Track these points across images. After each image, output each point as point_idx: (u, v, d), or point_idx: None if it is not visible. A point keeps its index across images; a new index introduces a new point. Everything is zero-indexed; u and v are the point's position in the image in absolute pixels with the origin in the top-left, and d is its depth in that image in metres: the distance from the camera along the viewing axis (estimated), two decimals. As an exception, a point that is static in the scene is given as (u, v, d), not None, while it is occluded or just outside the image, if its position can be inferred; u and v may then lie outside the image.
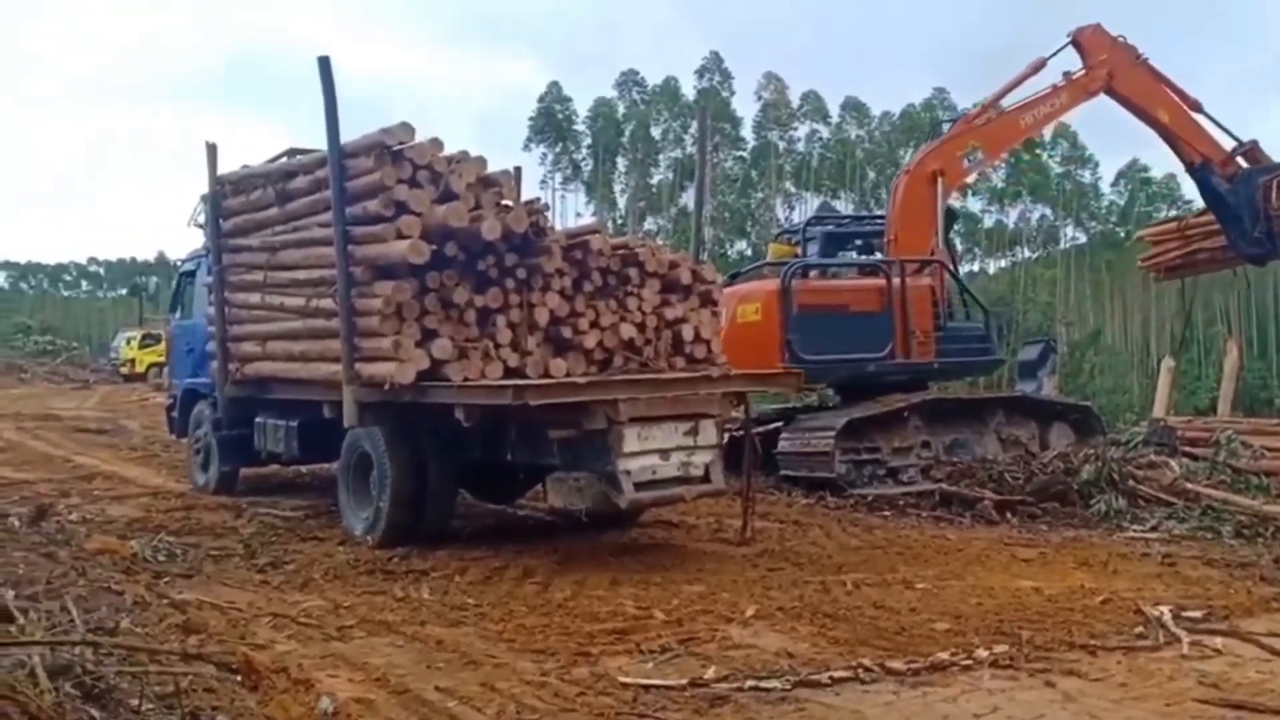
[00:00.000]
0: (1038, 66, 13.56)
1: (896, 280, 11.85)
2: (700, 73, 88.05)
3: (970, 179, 14.22)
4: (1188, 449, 11.91)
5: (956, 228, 15.16)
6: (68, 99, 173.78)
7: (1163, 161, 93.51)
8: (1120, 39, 13.64)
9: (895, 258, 12.16)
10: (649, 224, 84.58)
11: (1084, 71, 13.45)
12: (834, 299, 12.17)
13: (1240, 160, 13.95)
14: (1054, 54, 13.60)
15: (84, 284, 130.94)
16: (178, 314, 12.54)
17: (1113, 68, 13.44)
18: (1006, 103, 13.45)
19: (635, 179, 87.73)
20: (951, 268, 13.23)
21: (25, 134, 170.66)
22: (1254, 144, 14.00)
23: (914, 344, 11.87)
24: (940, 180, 12.75)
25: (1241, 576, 7.02)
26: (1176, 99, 13.84)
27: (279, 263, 8.73)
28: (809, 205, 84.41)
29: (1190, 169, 14.02)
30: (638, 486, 6.95)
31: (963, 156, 13.16)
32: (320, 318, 8.08)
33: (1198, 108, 13.88)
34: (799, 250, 13.57)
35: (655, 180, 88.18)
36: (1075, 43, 13.55)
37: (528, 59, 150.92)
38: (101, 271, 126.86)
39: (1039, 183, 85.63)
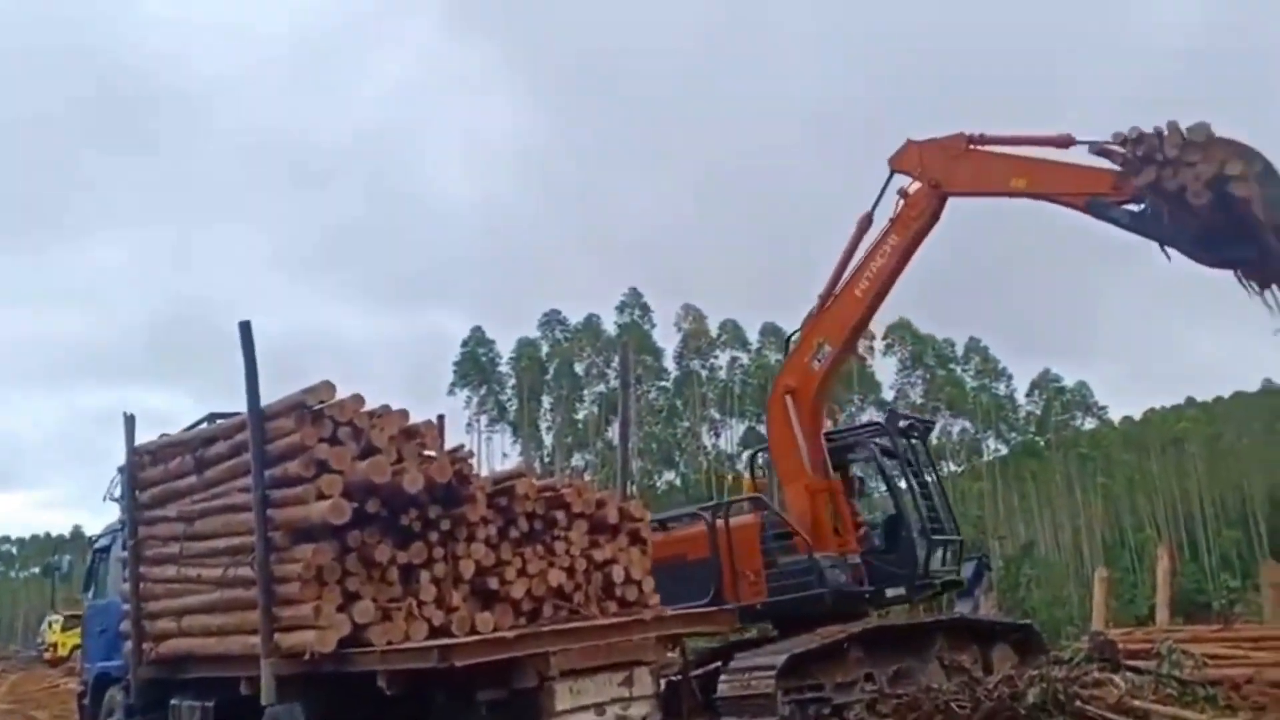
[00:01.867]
0: (864, 224, 12.32)
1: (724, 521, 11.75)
2: (621, 308, 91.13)
3: (825, 377, 12.53)
4: (1130, 662, 11.82)
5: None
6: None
7: (1073, 370, 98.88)
8: (930, 141, 12.04)
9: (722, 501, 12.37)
10: (576, 459, 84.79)
11: (904, 200, 12.07)
12: (673, 550, 11.79)
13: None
14: (877, 200, 12.27)
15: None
16: (90, 593, 12.02)
17: (935, 175, 11.87)
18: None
19: (561, 416, 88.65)
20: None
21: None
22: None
23: (744, 585, 11.49)
24: (791, 398, 12.31)
25: (1199, 797, 6.86)
26: (1029, 157, 11.69)
27: (196, 532, 8.50)
28: (735, 432, 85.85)
29: (1087, 212, 11.40)
30: (571, 748, 6.65)
31: (811, 360, 12.41)
32: (238, 587, 7.80)
33: (1069, 143, 11.58)
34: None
35: (581, 416, 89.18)
36: (896, 171, 12.21)
37: (450, 306, 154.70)
38: (14, 550, 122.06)
39: (956, 397, 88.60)
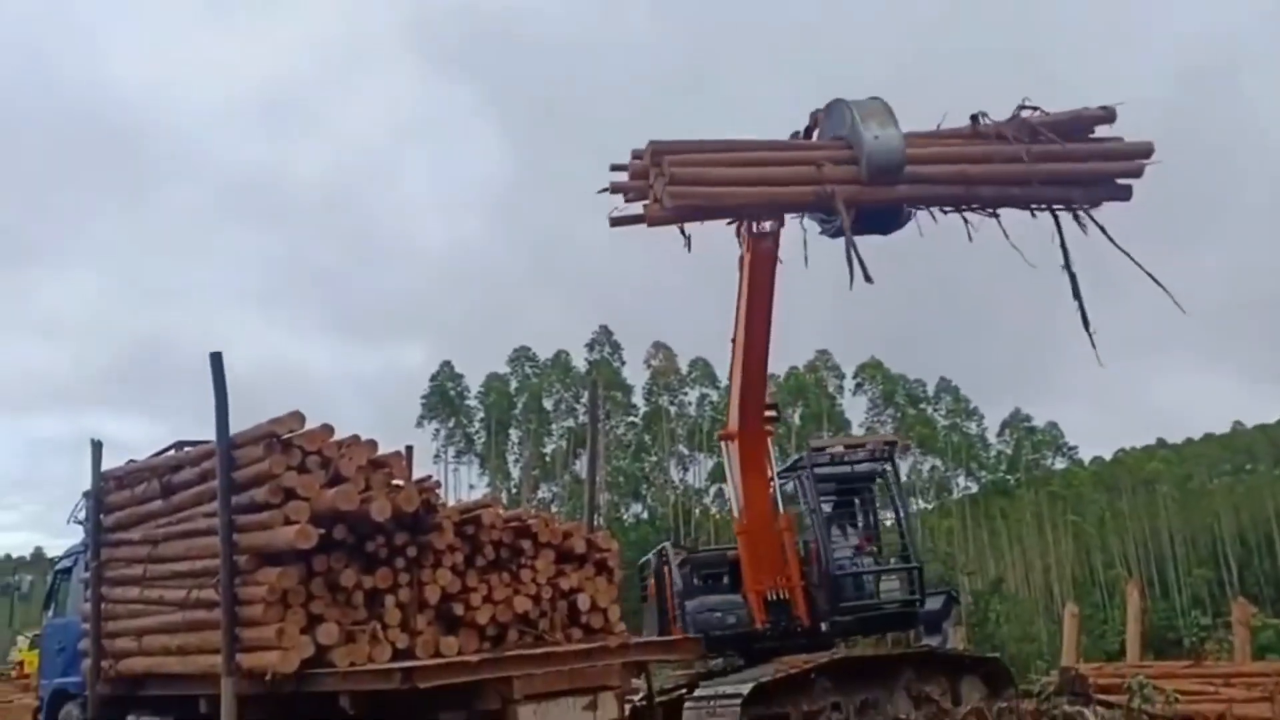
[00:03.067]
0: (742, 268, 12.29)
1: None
2: (591, 345, 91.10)
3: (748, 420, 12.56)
4: (1101, 696, 11.94)
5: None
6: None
7: (1044, 410, 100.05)
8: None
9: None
10: (543, 492, 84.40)
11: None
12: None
13: None
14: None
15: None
16: (50, 612, 12.11)
17: None
18: None
19: (528, 449, 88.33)
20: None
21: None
22: None
23: (674, 624, 12.39)
24: (726, 445, 12.85)
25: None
26: None
27: (160, 555, 8.51)
28: (703, 467, 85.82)
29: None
30: (535, 769, 6.66)
31: (733, 406, 12.78)
32: (201, 609, 7.79)
33: None
34: None
35: (549, 449, 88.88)
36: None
37: (420, 343, 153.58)
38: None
39: (926, 435, 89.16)
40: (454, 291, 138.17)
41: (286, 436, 7.47)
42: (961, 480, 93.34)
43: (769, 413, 13.24)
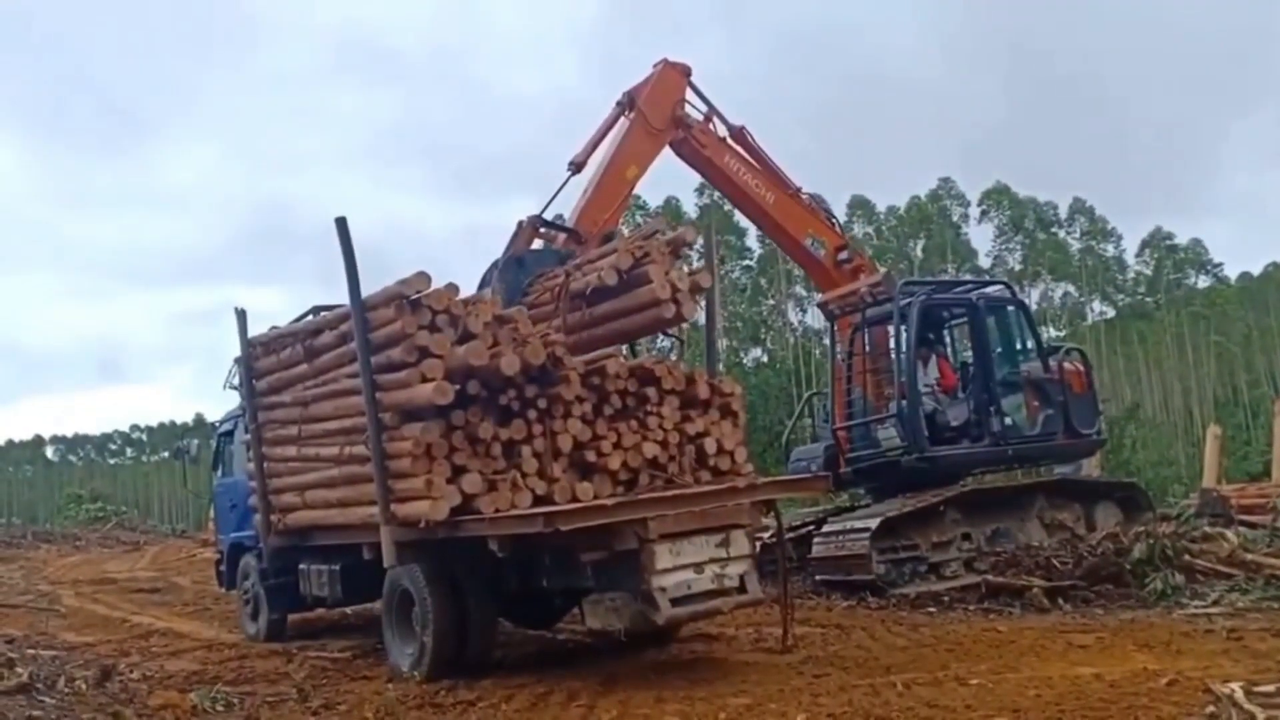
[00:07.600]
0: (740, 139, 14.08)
1: None
2: (700, 190, 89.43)
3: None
4: (1243, 517, 11.71)
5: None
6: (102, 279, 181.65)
7: (1187, 227, 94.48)
8: None
9: None
10: (662, 340, 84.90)
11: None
12: None
13: None
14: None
15: (129, 451, 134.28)
16: (219, 472, 12.93)
17: None
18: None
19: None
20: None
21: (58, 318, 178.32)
22: None
23: None
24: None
25: (1316, 646, 6.81)
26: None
27: (311, 415, 9.03)
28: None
29: None
30: (674, 602, 6.97)
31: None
32: (354, 464, 8.31)
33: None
34: None
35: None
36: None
37: (524, 195, 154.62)
38: (144, 438, 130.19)
39: (1058, 261, 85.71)
40: (554, 141, 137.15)
41: (415, 297, 7.66)
42: (1097, 305, 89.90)
43: (840, 255, 13.69)
